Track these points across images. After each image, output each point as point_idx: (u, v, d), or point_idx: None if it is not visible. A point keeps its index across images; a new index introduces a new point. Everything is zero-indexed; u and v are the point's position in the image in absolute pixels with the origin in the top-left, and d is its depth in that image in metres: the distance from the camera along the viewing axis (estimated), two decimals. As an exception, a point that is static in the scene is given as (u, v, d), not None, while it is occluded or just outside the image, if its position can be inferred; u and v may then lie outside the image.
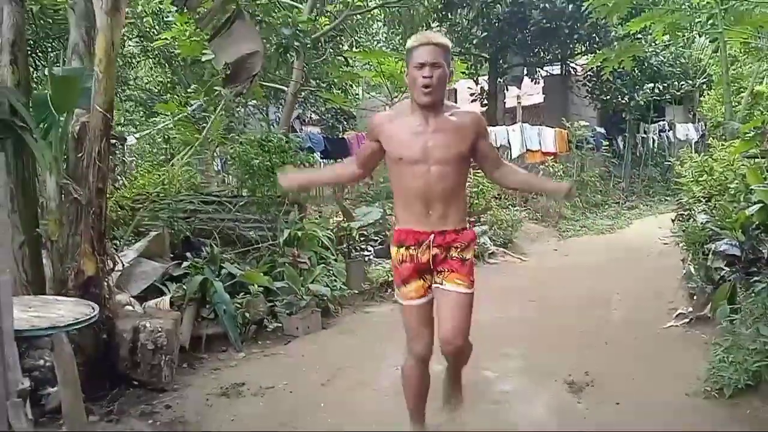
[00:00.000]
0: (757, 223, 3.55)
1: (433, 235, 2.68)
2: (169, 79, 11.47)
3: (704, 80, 14.25)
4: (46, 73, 4.19)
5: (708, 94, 12.82)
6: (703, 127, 14.54)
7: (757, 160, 4.14)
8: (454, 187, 2.69)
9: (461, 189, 2.79)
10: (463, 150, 2.68)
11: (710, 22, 8.19)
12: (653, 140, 14.61)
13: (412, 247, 2.71)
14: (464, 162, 2.75)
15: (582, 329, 5.07)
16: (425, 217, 2.68)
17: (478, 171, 6.33)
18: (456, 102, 15.17)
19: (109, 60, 3.71)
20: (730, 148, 4.89)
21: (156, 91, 11.80)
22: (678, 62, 13.99)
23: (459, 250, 2.70)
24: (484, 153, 2.78)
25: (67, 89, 3.84)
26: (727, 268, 3.98)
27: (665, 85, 13.68)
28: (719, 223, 4.26)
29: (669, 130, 14.98)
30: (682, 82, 13.95)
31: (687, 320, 4.86)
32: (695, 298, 4.95)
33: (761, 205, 3.48)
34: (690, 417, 3.31)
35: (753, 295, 3.47)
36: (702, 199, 4.88)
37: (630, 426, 3.28)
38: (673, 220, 5.58)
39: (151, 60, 11.12)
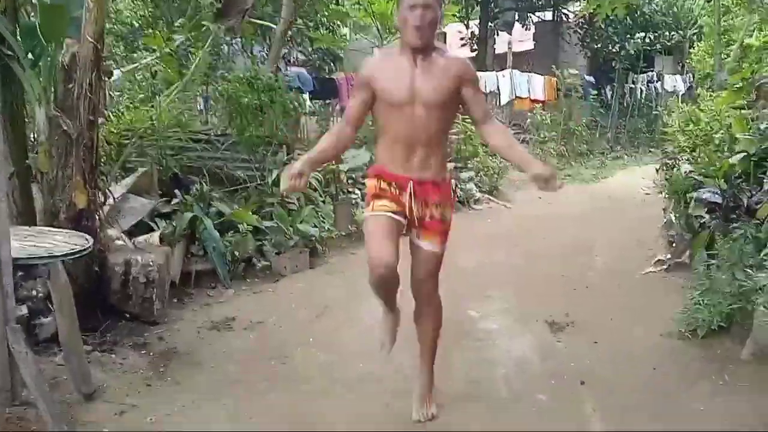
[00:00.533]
0: (739, 171, 3.64)
1: (411, 183, 2.65)
2: (150, 13, 11.17)
3: (695, 31, 14.19)
4: (33, 0, 4.07)
5: (698, 45, 12.79)
6: (691, 79, 14.55)
7: (743, 110, 4.21)
8: (437, 131, 2.67)
9: (445, 136, 2.78)
10: (448, 93, 2.63)
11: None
12: (641, 91, 14.61)
13: (392, 185, 2.67)
14: (450, 107, 2.69)
15: (564, 274, 5.21)
16: (406, 161, 2.65)
17: (467, 118, 6.36)
18: (445, 45, 15.05)
19: (100, -12, 3.61)
20: (717, 99, 4.95)
21: (137, 25, 11.49)
22: (670, 12, 13.87)
23: (440, 208, 2.70)
24: (471, 101, 2.69)
25: (55, 18, 3.75)
26: (707, 216, 4.10)
27: (656, 34, 13.59)
28: (703, 171, 4.36)
29: (657, 81, 14.97)
30: (673, 33, 13.86)
31: (665, 266, 5.02)
32: (674, 245, 5.10)
33: (744, 154, 3.56)
34: (663, 356, 3.48)
35: (731, 241, 3.60)
36: (687, 149, 4.96)
37: (605, 363, 3.43)
38: (657, 170, 5.66)
39: (132, -8, 10.78)
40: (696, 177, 4.39)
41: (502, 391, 3.14)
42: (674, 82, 14.88)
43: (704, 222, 4.14)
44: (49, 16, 3.78)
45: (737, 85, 4.42)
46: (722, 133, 4.24)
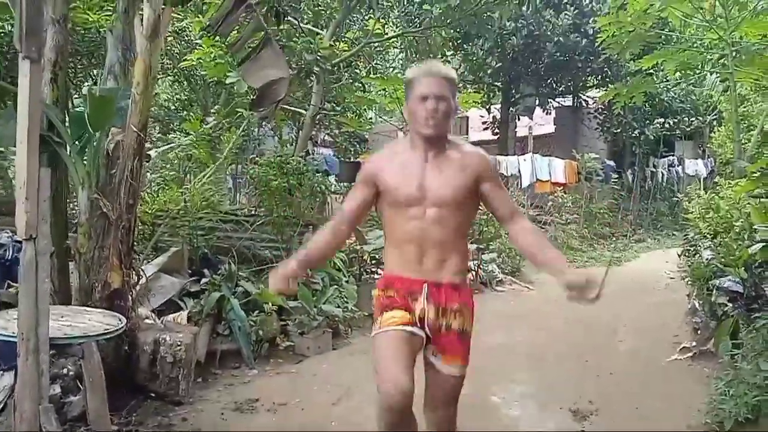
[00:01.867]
0: (759, 261, 3.68)
1: (426, 286, 2.34)
2: (186, 97, 11.77)
3: (714, 117, 14.43)
4: (84, 92, 4.38)
5: (718, 130, 12.99)
6: (713, 163, 14.69)
7: (762, 199, 4.28)
8: (453, 232, 2.36)
9: (462, 236, 2.43)
10: (464, 190, 2.35)
11: (721, 61, 8.40)
12: (662, 174, 14.76)
13: (401, 293, 2.36)
14: (466, 206, 2.39)
15: (587, 358, 5.17)
16: (418, 265, 2.35)
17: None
18: (467, 131, 15.42)
19: (147, 83, 3.92)
20: (736, 187, 5.04)
21: (173, 108, 12.08)
22: (688, 98, 14.19)
23: (459, 317, 2.36)
24: (492, 198, 2.41)
25: (103, 108, 4.02)
26: (729, 304, 4.10)
27: (675, 120, 13.86)
28: (723, 260, 4.39)
29: (678, 165, 15.14)
30: (692, 118, 14.13)
31: (691, 354, 4.96)
32: (699, 332, 5.06)
33: (764, 243, 3.61)
34: (691, 449, 3.41)
35: (754, 331, 3.59)
36: (708, 235, 5.01)
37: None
38: (679, 255, 5.69)
39: (170, 77, 11.39)
40: (717, 264, 4.42)
41: (526, 482, 3.10)
42: (695, 166, 15.02)
43: (727, 310, 4.14)
44: (97, 106, 4.06)
45: (755, 174, 4.51)
46: (742, 222, 4.29)
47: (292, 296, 4.85)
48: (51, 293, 3.99)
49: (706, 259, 4.73)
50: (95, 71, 8.25)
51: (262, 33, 5.20)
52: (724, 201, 5.19)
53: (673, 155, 15.53)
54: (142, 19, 4.07)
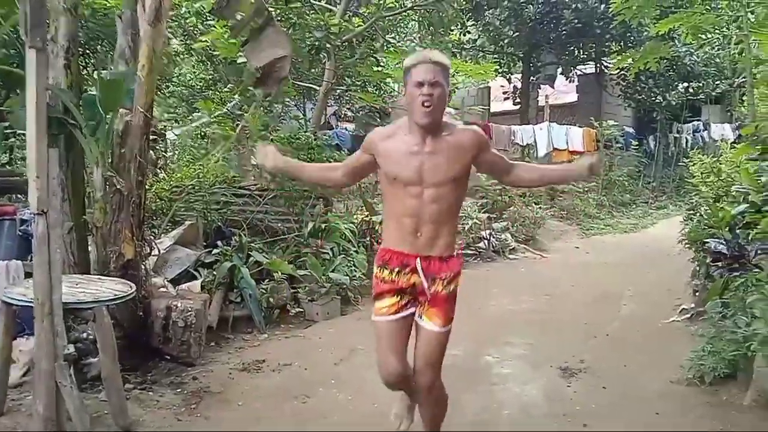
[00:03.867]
0: (744, 222, 3.75)
1: (418, 259, 2.61)
2: (210, 77, 12.02)
3: (743, 79, 14.09)
4: (95, 75, 4.63)
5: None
6: (739, 128, 14.40)
7: (754, 162, 4.33)
8: (446, 209, 2.61)
9: (454, 212, 2.70)
10: (459, 172, 2.60)
11: (736, 23, 8.26)
12: (686, 140, 14.54)
13: (396, 270, 2.64)
14: (459, 184, 2.64)
15: (587, 322, 5.32)
16: (414, 238, 2.61)
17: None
18: (489, 101, 15.39)
19: (151, 66, 4.13)
20: (735, 150, 5.07)
21: (198, 87, 12.35)
22: (712, 62, 13.89)
23: (445, 282, 2.63)
24: (490, 163, 2.73)
25: (113, 91, 4.27)
26: (713, 266, 4.19)
27: (699, 84, 13.60)
28: (706, 222, 4.47)
29: (704, 130, 14.88)
30: (717, 82, 13.84)
31: (689, 315, 5.08)
32: (697, 294, 5.16)
33: (747, 204, 3.68)
34: (669, 402, 3.57)
35: (734, 290, 3.69)
36: (709, 199, 5.06)
37: (611, 407, 3.54)
38: (683, 221, 5.76)
39: (194, 58, 11.64)
40: (705, 226, 4.50)
41: (503, 429, 3.30)
42: (722, 131, 14.74)
43: (714, 271, 4.23)
44: (108, 89, 4.31)
45: (753, 137, 4.56)
46: (738, 185, 4.34)
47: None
48: (71, 265, 4.34)
49: (699, 221, 4.81)
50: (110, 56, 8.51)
51: (266, 13, 5.38)
52: (725, 164, 5.22)
53: (698, 120, 15.26)
54: (144, 5, 4.27)
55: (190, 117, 11.37)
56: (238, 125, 8.08)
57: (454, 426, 3.31)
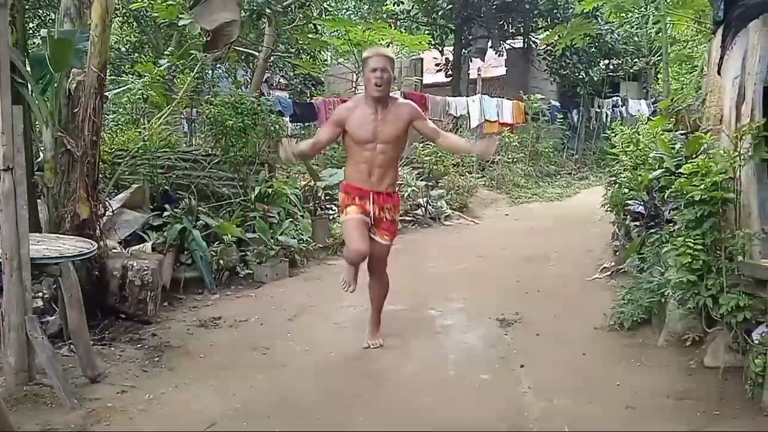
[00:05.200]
0: (660, 185, 4.21)
1: (371, 193, 3.76)
2: (137, 39, 11.67)
3: (658, 58, 14.99)
4: (40, 35, 4.56)
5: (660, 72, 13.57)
6: (655, 104, 15.34)
7: (670, 132, 4.81)
8: (390, 160, 3.80)
9: (396, 162, 3.90)
10: (400, 133, 3.76)
11: (653, 4, 8.86)
12: (606, 115, 15.38)
13: (356, 197, 3.78)
14: (401, 141, 3.82)
15: (519, 280, 5.75)
16: (368, 178, 3.77)
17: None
18: (422, 73, 15.70)
19: (104, 25, 4.15)
20: (651, 123, 5.57)
21: (125, 50, 11.97)
22: (631, 40, 14.70)
23: (390, 211, 3.84)
24: (423, 129, 3.86)
25: (63, 50, 4.25)
26: (634, 224, 4.67)
27: (619, 62, 14.37)
28: (627, 185, 4.95)
29: (622, 106, 15.76)
30: (635, 60, 14.67)
31: (609, 273, 5.59)
32: (617, 253, 5.68)
33: (663, 170, 4.14)
34: (593, 344, 4.02)
35: (650, 246, 4.16)
36: (628, 168, 5.54)
37: (544, 350, 3.96)
38: (605, 187, 6.26)
39: (120, 19, 11.26)
40: (626, 190, 4.99)
41: (451, 371, 3.65)
42: (638, 106, 15.66)
43: (633, 231, 4.72)
44: (57, 48, 4.29)
45: (666, 111, 5.04)
46: (655, 154, 4.81)
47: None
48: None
49: (619, 186, 5.29)
50: (41, 12, 8.22)
51: (214, -24, 5.41)
52: (643, 136, 5.72)
53: (617, 96, 16.15)
54: (95, -36, 4.24)
55: (118, 81, 11.07)
56: (169, 89, 8.01)
57: (403, 365, 3.66)
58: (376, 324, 4.08)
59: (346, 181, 3.92)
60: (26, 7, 8.13)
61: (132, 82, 8.88)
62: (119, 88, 9.22)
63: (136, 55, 11.43)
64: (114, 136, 6.60)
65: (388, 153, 3.77)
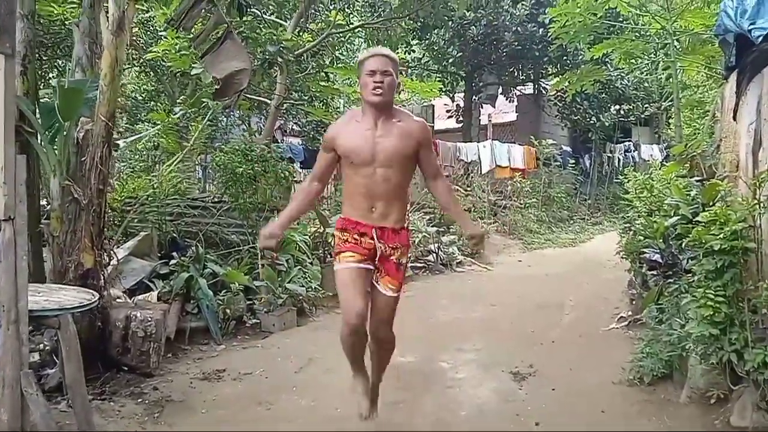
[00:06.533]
0: (677, 233, 4.09)
1: (374, 230, 2.96)
2: (153, 88, 11.87)
3: (670, 103, 15.00)
4: (53, 84, 4.60)
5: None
6: (668, 149, 15.29)
7: (683, 179, 4.72)
8: (396, 187, 2.95)
9: (403, 190, 3.04)
10: (407, 154, 2.93)
11: (663, 50, 8.87)
12: (618, 159, 15.33)
13: (355, 234, 2.97)
14: (408, 165, 2.98)
15: (533, 329, 5.59)
16: (369, 213, 2.96)
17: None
18: (433, 119, 15.80)
19: (113, 75, 4.17)
20: (665, 168, 5.49)
21: (141, 99, 12.17)
22: (642, 86, 14.74)
23: (398, 253, 3.01)
24: (425, 162, 3.04)
25: (72, 99, 4.26)
26: (651, 273, 4.53)
27: (630, 107, 14.39)
28: (642, 233, 4.82)
29: (634, 151, 15.72)
30: (646, 105, 14.68)
31: (626, 323, 5.41)
32: (634, 302, 5.51)
33: (678, 217, 4.03)
34: (612, 400, 3.83)
35: (669, 296, 4.01)
36: (642, 214, 5.43)
37: (560, 406, 3.78)
38: (620, 233, 6.14)
39: (136, 68, 11.47)
40: (641, 237, 4.86)
41: (464, 429, 3.48)
42: (651, 151, 15.61)
43: (651, 280, 4.57)
44: (66, 97, 4.30)
45: (680, 157, 4.95)
46: (670, 200, 4.70)
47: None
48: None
49: (634, 233, 5.17)
50: (59, 62, 8.36)
51: (224, 26, 5.47)
52: (657, 181, 5.62)
53: (629, 141, 16.13)
54: (107, 13, 4.29)
55: (134, 128, 11.19)
56: (183, 137, 8.08)
57: (416, 425, 3.49)
58: (376, 395, 3.33)
59: (342, 216, 3.10)
60: (43, 57, 8.33)
61: (147, 130, 8.98)
62: (134, 136, 9.33)
63: (152, 103, 11.61)
64: (124, 183, 6.60)
65: (392, 179, 2.93)
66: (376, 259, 3.01)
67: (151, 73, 11.17)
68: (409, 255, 3.17)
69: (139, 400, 3.92)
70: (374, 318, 3.04)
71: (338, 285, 3.01)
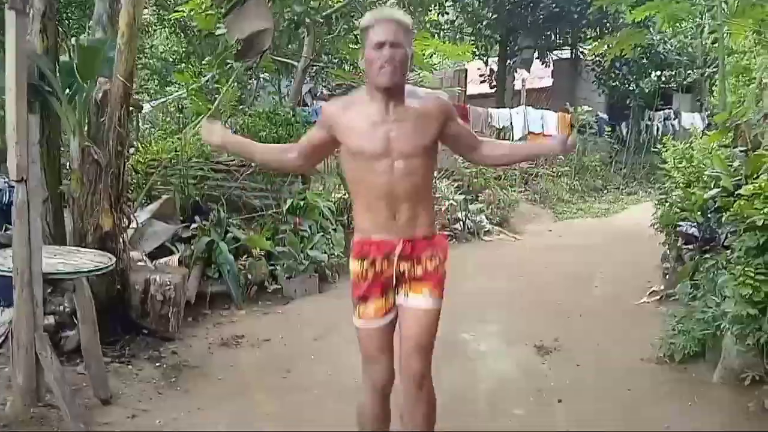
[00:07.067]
0: (716, 206, 3.87)
1: (401, 244, 2.31)
2: (184, 49, 11.80)
3: (714, 69, 14.37)
4: (72, 42, 4.52)
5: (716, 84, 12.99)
6: (710, 117, 14.71)
7: (727, 148, 4.46)
8: (421, 183, 2.33)
9: (429, 186, 2.45)
10: (430, 139, 2.33)
11: (709, 13, 8.41)
12: (657, 128, 14.80)
13: (378, 260, 2.33)
14: (431, 154, 2.37)
15: (561, 302, 5.43)
16: (392, 221, 2.30)
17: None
18: (466, 83, 15.43)
19: (131, 34, 4.05)
20: (706, 138, 5.21)
21: (171, 60, 12.12)
22: (685, 51, 14.13)
23: (430, 262, 2.35)
24: (457, 135, 2.43)
25: (91, 58, 4.19)
26: (685, 248, 4.32)
27: (672, 73, 13.83)
28: (679, 205, 4.60)
29: (674, 119, 15.15)
30: (689, 71, 14.10)
31: (658, 297, 5.22)
32: (667, 277, 5.30)
33: (719, 189, 3.80)
34: (640, 378, 3.68)
35: (704, 272, 3.82)
36: (681, 185, 5.19)
37: (585, 383, 3.65)
38: (655, 205, 5.89)
39: (166, 29, 11.39)
40: (677, 210, 4.63)
41: (482, 405, 3.38)
42: (692, 120, 15.01)
43: (686, 254, 4.36)
44: (86, 56, 4.23)
45: (723, 126, 4.67)
46: (710, 170, 4.46)
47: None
48: (47, 236, 4.26)
49: (671, 205, 4.94)
50: (86, 22, 8.29)
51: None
52: (698, 151, 5.35)
53: (669, 108, 15.55)
54: (125, -29, 4.17)
55: (163, 90, 11.16)
56: (213, 99, 8.00)
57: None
58: None
59: (359, 236, 2.39)
60: (71, 17, 8.30)
61: (176, 92, 8.91)
62: (165, 97, 9.27)
63: (183, 65, 11.55)
64: (148, 146, 6.56)
65: (415, 173, 2.29)
66: (403, 277, 2.35)
67: (181, 34, 11.09)
68: (447, 257, 2.43)
69: (157, 364, 3.92)
70: (407, 343, 2.34)
71: (361, 343, 2.44)
